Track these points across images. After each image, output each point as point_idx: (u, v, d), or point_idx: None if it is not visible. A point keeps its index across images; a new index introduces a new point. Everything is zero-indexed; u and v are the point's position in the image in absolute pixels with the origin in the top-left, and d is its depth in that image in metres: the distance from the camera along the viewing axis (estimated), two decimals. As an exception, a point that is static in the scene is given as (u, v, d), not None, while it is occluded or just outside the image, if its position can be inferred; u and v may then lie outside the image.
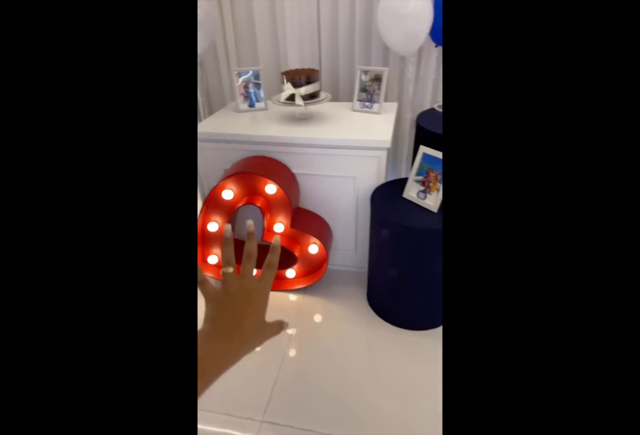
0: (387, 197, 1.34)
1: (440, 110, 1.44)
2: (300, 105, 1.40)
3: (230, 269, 0.47)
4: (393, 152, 1.96)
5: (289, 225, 1.40)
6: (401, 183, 1.35)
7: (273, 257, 0.50)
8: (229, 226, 0.48)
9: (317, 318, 1.52)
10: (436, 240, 1.22)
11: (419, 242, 1.23)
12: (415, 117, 1.69)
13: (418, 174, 1.28)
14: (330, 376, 1.29)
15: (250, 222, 0.49)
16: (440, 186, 1.21)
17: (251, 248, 0.49)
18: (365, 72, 1.56)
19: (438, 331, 1.44)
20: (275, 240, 0.50)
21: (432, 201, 1.24)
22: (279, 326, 0.50)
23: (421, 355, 1.35)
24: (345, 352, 1.37)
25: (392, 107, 1.64)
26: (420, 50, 1.69)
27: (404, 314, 1.46)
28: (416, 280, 1.33)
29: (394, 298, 1.44)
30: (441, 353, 1.34)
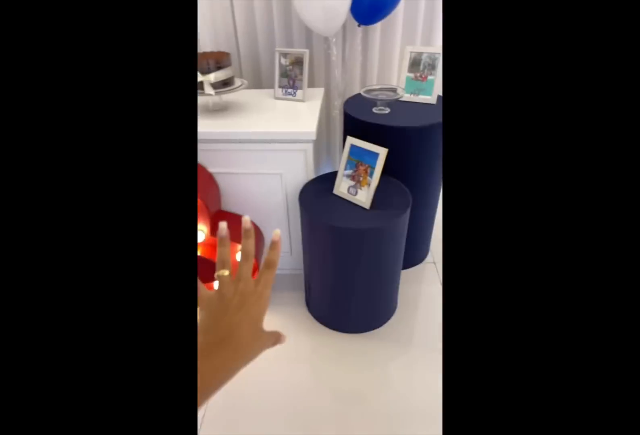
0: (316, 195, 1.21)
1: (367, 95, 1.32)
2: (210, 95, 1.22)
3: (226, 272, 0.44)
4: (326, 142, 1.84)
5: (209, 233, 1.24)
6: (332, 177, 1.23)
7: (273, 255, 0.46)
8: (224, 224, 0.45)
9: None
10: (369, 239, 1.12)
11: (352, 243, 1.13)
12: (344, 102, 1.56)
13: (347, 167, 1.17)
14: (273, 388, 1.20)
15: (247, 219, 0.46)
16: (371, 180, 1.11)
17: (249, 247, 0.45)
18: (285, 54, 1.40)
19: (378, 332, 1.38)
20: (275, 235, 0.46)
21: (364, 197, 1.13)
22: (276, 338, 0.46)
23: (364, 358, 1.30)
24: (287, 363, 1.27)
25: (318, 93, 1.51)
26: (343, 30, 1.56)
27: (343, 318, 1.36)
28: (352, 282, 1.24)
29: (331, 301, 1.34)
30: (383, 353, 1.31)
